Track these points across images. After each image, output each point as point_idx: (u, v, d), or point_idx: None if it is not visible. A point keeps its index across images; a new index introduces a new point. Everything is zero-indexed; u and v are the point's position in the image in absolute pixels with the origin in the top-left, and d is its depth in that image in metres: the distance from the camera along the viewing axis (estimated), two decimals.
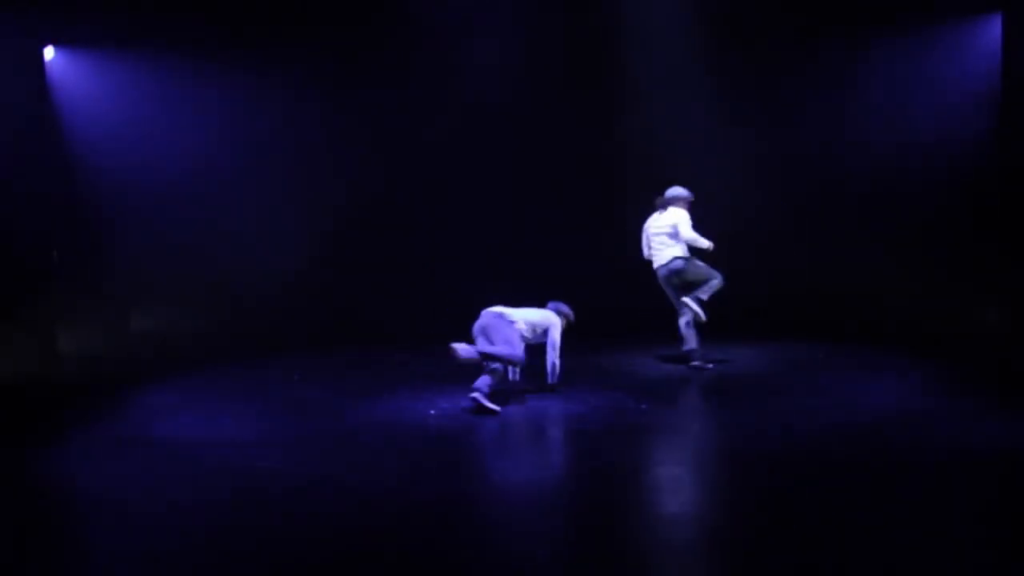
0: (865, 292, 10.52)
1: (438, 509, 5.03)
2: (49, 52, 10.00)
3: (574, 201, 11.16)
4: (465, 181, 11.20)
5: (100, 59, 10.45)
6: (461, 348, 7.11)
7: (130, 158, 10.45)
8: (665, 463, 6.23)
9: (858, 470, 5.47)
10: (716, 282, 8.47)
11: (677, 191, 8.60)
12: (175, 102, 10.68)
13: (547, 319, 7.64)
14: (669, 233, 8.49)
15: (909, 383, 7.83)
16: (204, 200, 10.80)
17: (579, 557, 4.39)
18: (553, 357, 7.62)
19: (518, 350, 7.31)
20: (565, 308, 7.85)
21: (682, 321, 8.52)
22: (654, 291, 8.79)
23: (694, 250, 8.52)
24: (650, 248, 8.63)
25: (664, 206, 8.59)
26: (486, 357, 7.17)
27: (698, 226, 8.53)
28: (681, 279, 8.49)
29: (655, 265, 8.59)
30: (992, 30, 9.82)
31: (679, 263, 8.46)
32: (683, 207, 8.56)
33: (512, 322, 7.38)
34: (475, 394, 6.96)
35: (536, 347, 7.62)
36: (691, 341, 8.48)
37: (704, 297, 8.45)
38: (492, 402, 6.99)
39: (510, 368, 7.60)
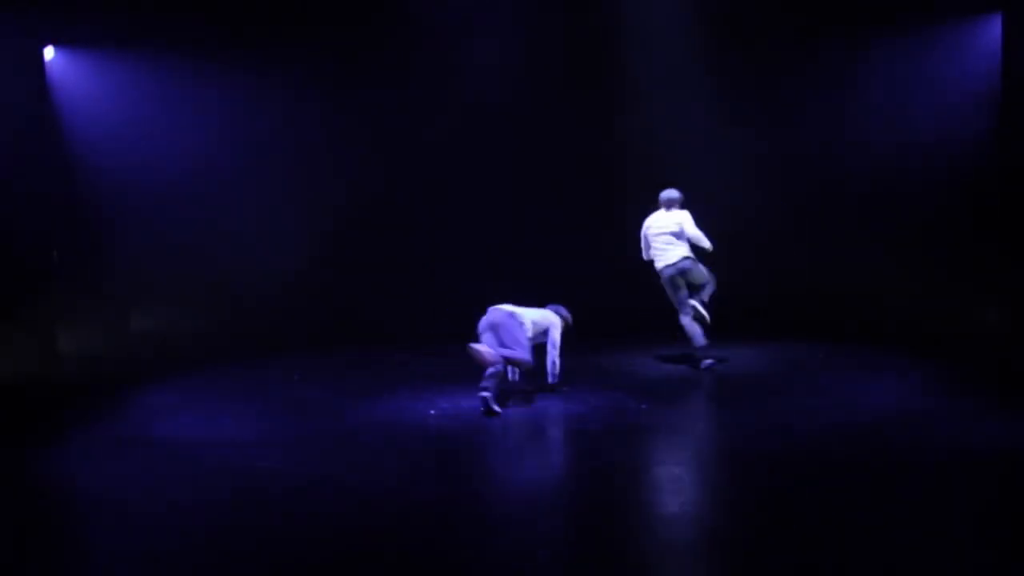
0: (865, 292, 10.52)
1: (438, 509, 5.03)
2: (49, 52, 10.00)
3: (574, 201, 11.16)
4: (465, 181, 11.20)
5: (100, 59, 10.44)
6: (484, 351, 7.10)
7: (130, 158, 10.44)
8: (665, 463, 6.23)
9: (858, 470, 5.47)
10: (711, 286, 8.51)
11: (675, 193, 8.60)
12: (175, 102, 10.68)
13: (548, 319, 7.66)
14: (674, 233, 8.48)
15: (909, 383, 7.83)
16: (204, 200, 10.80)
17: (579, 557, 4.39)
18: (554, 356, 7.62)
19: (528, 353, 7.34)
20: (564, 311, 7.86)
21: (685, 319, 8.49)
22: (654, 291, 8.79)
23: (695, 251, 8.53)
24: (651, 248, 8.59)
25: (668, 207, 8.60)
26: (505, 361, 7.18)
27: (697, 226, 8.56)
28: (686, 279, 8.49)
29: (660, 265, 8.53)
30: (992, 30, 9.81)
31: (687, 263, 8.47)
32: (679, 208, 8.58)
33: (521, 323, 7.38)
34: (486, 394, 6.96)
35: (536, 346, 7.62)
36: (699, 337, 8.43)
37: (706, 300, 8.47)
38: (496, 403, 6.99)
39: (510, 368, 7.60)
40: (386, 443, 6.38)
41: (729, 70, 10.84)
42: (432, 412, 7.14)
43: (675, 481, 5.59)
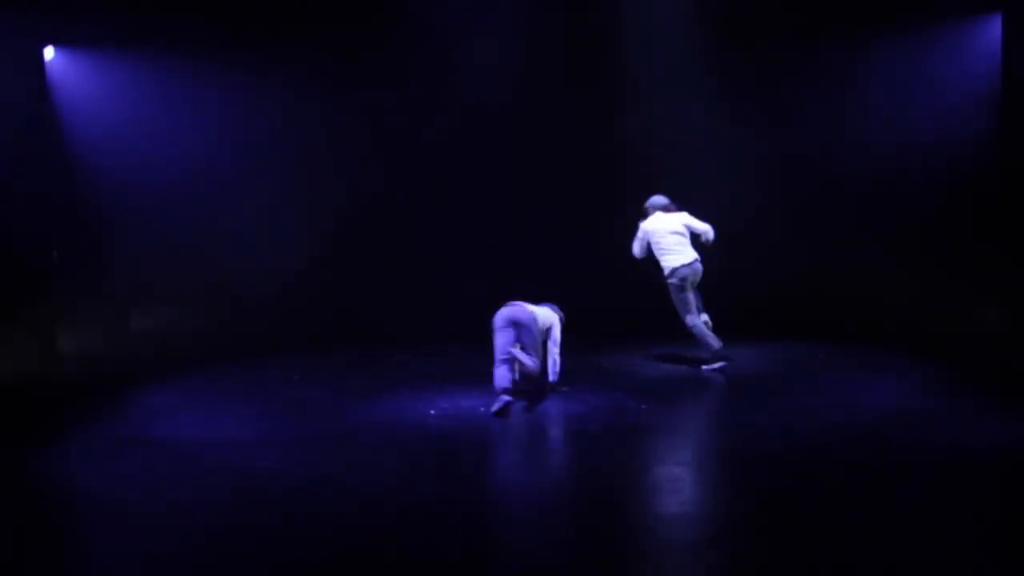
0: (865, 292, 10.51)
1: (438, 509, 5.04)
2: (49, 52, 10.00)
3: (574, 201, 11.15)
4: (465, 181, 11.20)
5: (100, 59, 10.44)
6: (527, 360, 7.15)
7: (130, 158, 10.43)
8: (665, 463, 6.23)
9: (858, 470, 5.48)
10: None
11: (664, 199, 8.63)
12: (175, 102, 10.67)
13: (550, 317, 7.65)
14: (684, 233, 8.52)
15: (909, 383, 7.83)
16: (204, 200, 10.79)
17: (579, 557, 4.39)
18: (555, 354, 7.61)
19: (539, 361, 7.37)
20: (558, 310, 7.86)
21: (697, 322, 8.45)
22: (654, 291, 8.79)
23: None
24: (661, 249, 8.52)
25: (666, 209, 8.61)
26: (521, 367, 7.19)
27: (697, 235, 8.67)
28: (695, 280, 8.51)
29: (676, 264, 8.44)
30: (992, 30, 9.81)
31: (700, 265, 8.51)
32: (676, 210, 8.65)
33: (540, 327, 7.40)
34: (507, 396, 6.96)
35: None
36: (714, 340, 8.41)
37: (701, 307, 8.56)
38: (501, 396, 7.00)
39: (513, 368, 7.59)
40: (386, 443, 6.38)
41: (729, 70, 10.83)
42: (432, 412, 7.14)
43: (675, 481, 5.60)
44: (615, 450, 6.14)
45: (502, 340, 7.24)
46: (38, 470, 6.01)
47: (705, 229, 8.54)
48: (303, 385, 8.45)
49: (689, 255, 8.49)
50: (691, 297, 8.46)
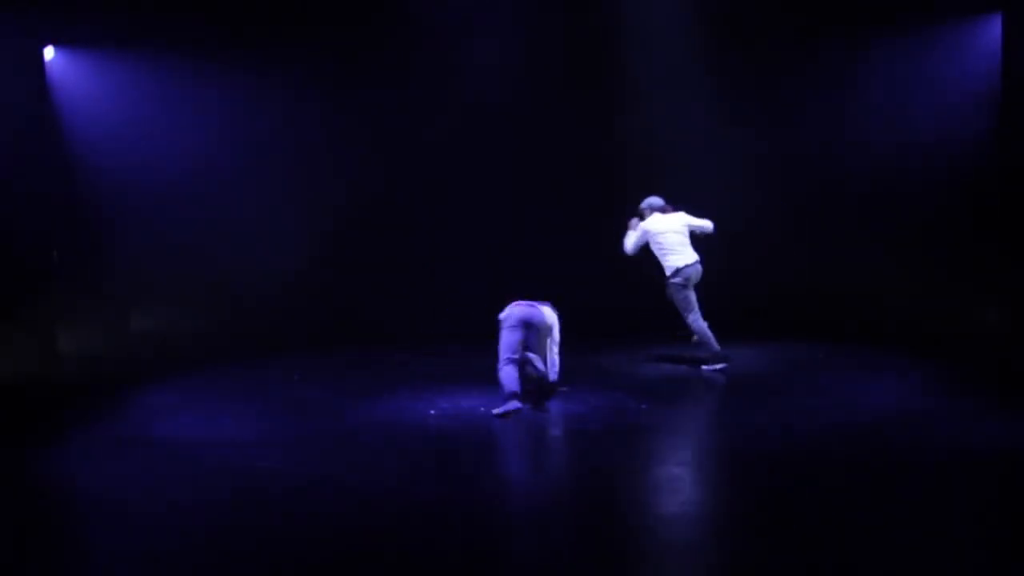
0: (865, 292, 10.52)
1: (438, 509, 5.04)
2: (49, 52, 10.00)
3: (574, 201, 11.15)
4: (465, 181, 11.20)
5: (100, 59, 10.44)
6: (540, 364, 7.20)
7: (130, 158, 10.43)
8: (665, 463, 6.23)
9: (858, 470, 5.48)
10: None
11: (661, 200, 8.66)
12: (175, 102, 10.67)
13: (552, 316, 7.65)
14: (684, 233, 8.56)
15: (909, 383, 7.84)
16: (204, 200, 10.79)
17: (579, 557, 4.39)
18: (555, 354, 7.61)
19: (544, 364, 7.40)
20: (554, 309, 7.86)
21: (700, 323, 8.46)
22: (654, 291, 8.80)
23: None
24: (663, 249, 8.54)
25: (663, 210, 8.63)
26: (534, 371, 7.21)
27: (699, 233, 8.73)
28: (696, 280, 8.52)
29: (681, 263, 8.46)
30: (992, 30, 9.81)
31: (701, 266, 8.56)
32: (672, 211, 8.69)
33: (547, 327, 7.40)
34: (517, 403, 6.96)
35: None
36: (715, 342, 8.44)
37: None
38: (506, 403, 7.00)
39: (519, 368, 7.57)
40: (386, 443, 6.38)
41: (729, 70, 10.84)
42: (432, 412, 7.14)
43: (675, 481, 5.59)
44: (615, 450, 6.14)
45: (512, 339, 7.21)
46: (38, 470, 6.01)
47: (704, 224, 8.62)
48: (303, 385, 8.45)
49: (691, 255, 8.52)
50: (693, 296, 8.47)
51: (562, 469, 6.15)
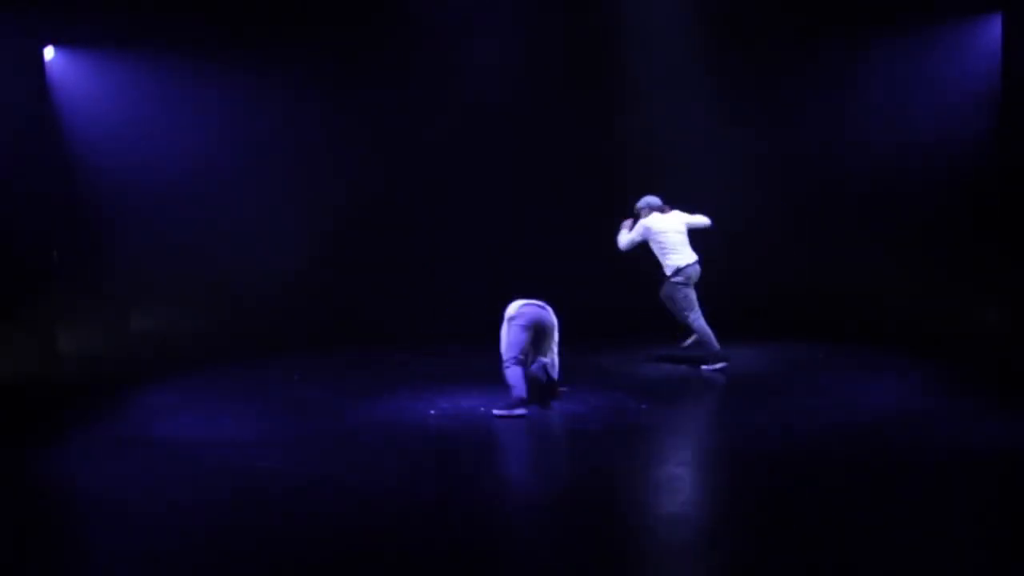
0: (865, 292, 10.51)
1: (438, 509, 5.04)
2: (49, 52, 9.99)
3: (574, 201, 11.15)
4: (465, 181, 11.20)
5: (100, 59, 10.44)
6: (554, 372, 7.25)
7: (130, 158, 10.43)
8: (665, 463, 6.23)
9: (858, 470, 5.48)
10: None
11: (658, 199, 8.67)
12: (175, 102, 10.67)
13: (555, 318, 7.64)
14: (684, 232, 8.60)
15: (909, 383, 7.84)
16: (204, 200, 10.79)
17: (579, 557, 4.39)
18: (555, 354, 7.60)
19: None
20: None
21: (701, 320, 8.48)
22: (654, 291, 8.81)
23: None
24: (665, 248, 8.54)
25: (662, 210, 8.64)
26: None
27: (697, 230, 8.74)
28: (696, 279, 8.54)
29: (683, 263, 8.49)
30: (992, 30, 9.81)
31: (699, 266, 8.58)
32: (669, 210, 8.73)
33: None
34: (524, 409, 6.95)
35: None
36: (714, 341, 8.45)
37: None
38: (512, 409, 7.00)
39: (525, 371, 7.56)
40: (386, 443, 6.38)
41: (729, 70, 10.83)
42: (432, 412, 7.14)
43: (675, 481, 5.59)
44: (615, 450, 6.14)
45: (522, 338, 7.16)
46: (38, 470, 6.01)
47: (702, 221, 8.68)
48: (303, 385, 8.45)
49: (691, 255, 8.54)
50: (694, 295, 8.49)
51: (562, 469, 6.14)
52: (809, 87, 10.85)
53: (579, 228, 11.02)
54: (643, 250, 8.75)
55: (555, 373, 7.58)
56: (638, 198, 8.78)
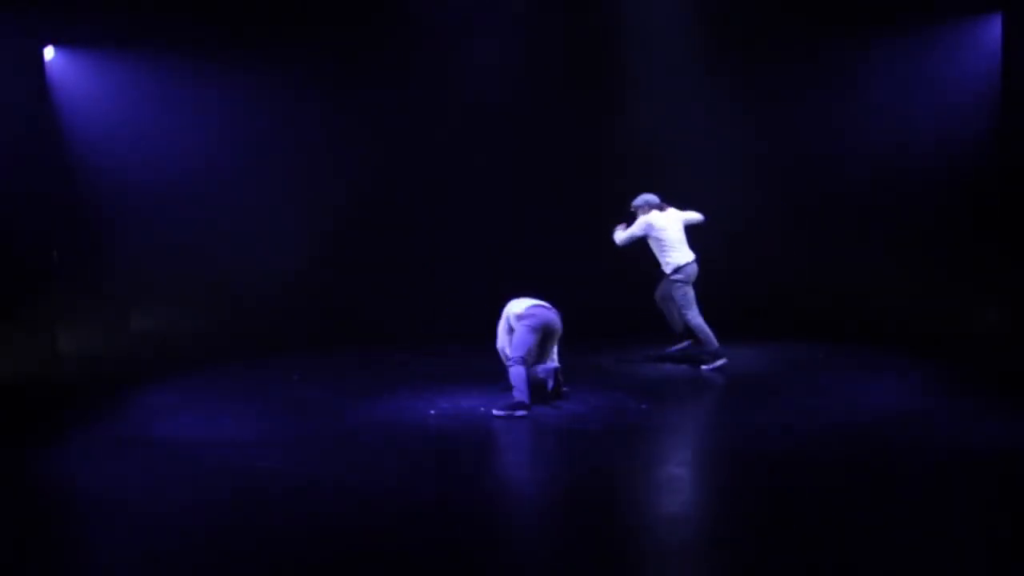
0: (865, 292, 10.52)
1: (438, 509, 5.04)
2: (49, 52, 9.99)
3: (574, 201, 11.15)
4: (465, 181, 11.20)
5: (100, 59, 10.43)
6: (559, 373, 7.26)
7: (130, 158, 10.43)
8: (665, 463, 6.23)
9: (858, 470, 5.48)
10: None
11: (656, 197, 8.70)
12: (175, 102, 10.66)
13: None
14: (683, 231, 8.65)
15: (909, 383, 7.84)
16: (204, 200, 10.79)
17: (579, 557, 4.39)
18: (556, 353, 7.61)
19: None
20: None
21: (700, 318, 8.49)
22: (654, 291, 8.82)
23: None
24: (666, 245, 8.56)
25: (660, 208, 8.66)
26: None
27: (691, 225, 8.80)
28: (694, 278, 8.56)
29: (683, 261, 8.52)
30: (992, 30, 9.81)
31: (697, 265, 8.62)
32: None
33: None
34: (525, 412, 6.95)
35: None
36: (713, 339, 8.46)
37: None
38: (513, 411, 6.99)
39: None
40: (386, 443, 6.38)
41: (729, 70, 10.84)
42: (432, 412, 7.14)
43: (675, 481, 5.60)
44: (615, 450, 6.15)
45: (531, 340, 7.13)
46: (38, 470, 6.00)
47: (696, 216, 8.75)
48: (303, 385, 8.44)
49: (689, 253, 8.59)
50: (692, 293, 8.50)
51: (562, 469, 6.14)
52: (809, 87, 10.85)
53: (579, 228, 11.02)
54: (642, 249, 8.76)
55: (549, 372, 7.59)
56: (636, 197, 8.79)
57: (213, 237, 10.90)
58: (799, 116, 10.91)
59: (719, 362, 8.44)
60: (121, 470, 5.92)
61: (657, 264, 8.69)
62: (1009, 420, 6.38)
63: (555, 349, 7.51)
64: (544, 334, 7.22)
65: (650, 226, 8.57)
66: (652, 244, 8.65)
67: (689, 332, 8.65)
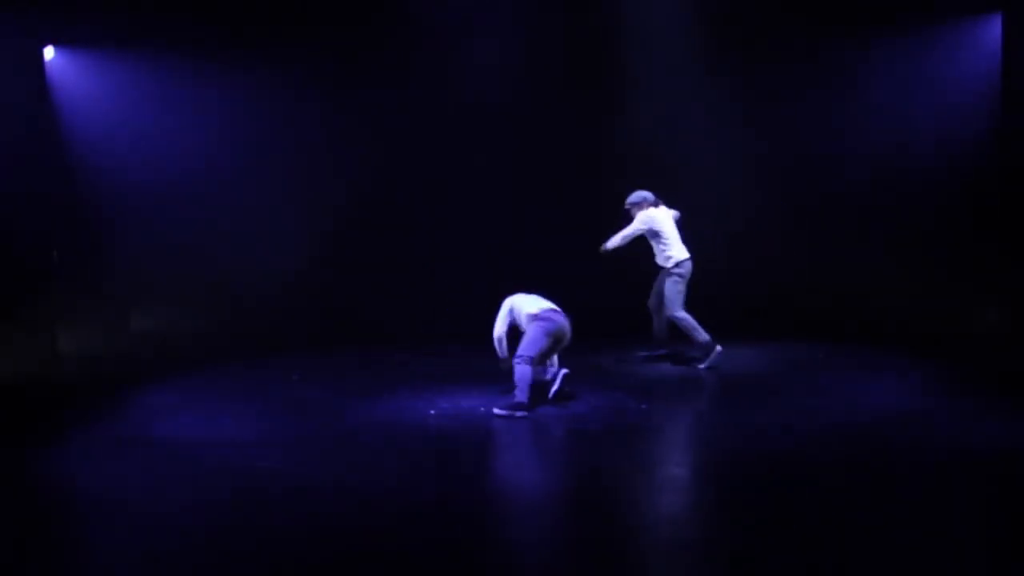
0: (865, 292, 10.52)
1: (438, 509, 5.04)
2: (49, 52, 9.99)
3: (574, 201, 11.15)
4: (465, 181, 11.20)
5: (100, 59, 10.43)
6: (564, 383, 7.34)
7: (130, 158, 10.42)
8: (665, 463, 6.23)
9: (858, 470, 5.48)
10: None
11: (652, 194, 8.74)
12: (175, 102, 10.66)
13: None
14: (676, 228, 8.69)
15: (909, 383, 7.84)
16: (204, 200, 10.78)
17: (579, 557, 4.39)
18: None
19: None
20: None
21: (687, 315, 8.50)
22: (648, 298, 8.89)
23: None
24: (666, 241, 8.60)
25: (656, 205, 8.68)
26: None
27: (692, 225, 8.89)
28: (689, 276, 8.60)
29: (682, 257, 8.58)
30: (992, 30, 9.81)
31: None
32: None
33: None
34: (525, 413, 6.96)
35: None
36: (701, 330, 8.47)
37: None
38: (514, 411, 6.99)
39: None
40: (386, 443, 6.38)
41: (729, 70, 10.84)
42: (432, 412, 7.14)
43: (675, 481, 5.60)
44: (615, 450, 6.14)
45: (542, 343, 7.13)
46: (38, 470, 6.01)
47: (676, 213, 8.85)
48: (303, 385, 8.45)
49: (685, 250, 8.64)
50: (684, 292, 8.55)
51: (562, 469, 6.15)
52: (809, 87, 10.84)
53: (579, 228, 11.00)
54: (643, 249, 8.76)
55: (558, 376, 7.60)
56: (630, 196, 8.83)
57: (213, 237, 10.90)
58: (799, 116, 10.90)
59: (714, 354, 8.43)
60: (121, 470, 5.92)
61: (658, 267, 8.71)
62: (1009, 420, 6.38)
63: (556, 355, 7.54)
64: (556, 339, 7.23)
65: (652, 220, 8.60)
66: (652, 240, 8.67)
67: (667, 343, 8.78)
